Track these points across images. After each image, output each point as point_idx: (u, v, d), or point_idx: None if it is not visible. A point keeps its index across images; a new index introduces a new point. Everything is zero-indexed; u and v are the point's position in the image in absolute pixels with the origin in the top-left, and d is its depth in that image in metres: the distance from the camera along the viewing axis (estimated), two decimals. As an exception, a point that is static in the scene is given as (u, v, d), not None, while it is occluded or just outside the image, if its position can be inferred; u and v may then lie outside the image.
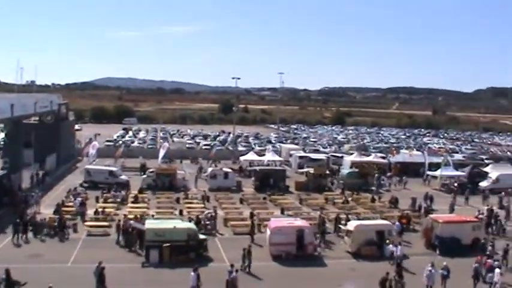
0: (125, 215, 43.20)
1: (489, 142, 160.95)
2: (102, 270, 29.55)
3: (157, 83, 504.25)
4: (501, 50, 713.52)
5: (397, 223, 44.09)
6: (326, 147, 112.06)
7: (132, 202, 52.15)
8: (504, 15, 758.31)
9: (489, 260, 34.16)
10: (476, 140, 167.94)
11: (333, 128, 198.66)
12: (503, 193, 60.83)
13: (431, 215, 45.01)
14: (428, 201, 55.61)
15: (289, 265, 35.67)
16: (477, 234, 41.52)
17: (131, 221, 39.99)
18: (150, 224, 37.84)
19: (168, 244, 35.08)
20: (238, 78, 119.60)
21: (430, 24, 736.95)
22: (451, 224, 41.42)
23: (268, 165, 75.74)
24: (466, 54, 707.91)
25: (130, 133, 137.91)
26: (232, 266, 30.90)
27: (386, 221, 42.99)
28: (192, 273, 29.89)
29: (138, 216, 43.11)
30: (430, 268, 30.84)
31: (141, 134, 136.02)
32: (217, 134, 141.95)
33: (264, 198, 56.73)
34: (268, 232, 38.42)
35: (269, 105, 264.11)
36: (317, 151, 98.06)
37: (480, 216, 47.25)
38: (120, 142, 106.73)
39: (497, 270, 32.31)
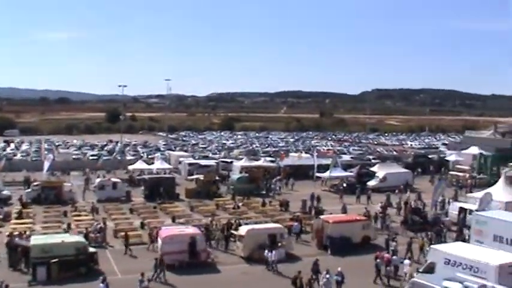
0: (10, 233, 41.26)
1: (375, 142, 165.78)
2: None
3: (41, 92, 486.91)
4: (385, 53, 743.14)
5: (295, 224, 45.44)
6: (215, 153, 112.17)
7: (16, 218, 49.91)
8: (385, 19, 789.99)
9: (387, 255, 35.74)
10: (363, 140, 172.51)
11: (222, 133, 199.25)
12: (396, 190, 63.79)
13: (321, 216, 45.92)
14: (316, 202, 56.96)
15: (183, 273, 35.28)
16: (367, 233, 42.95)
17: (16, 238, 38.33)
18: (35, 240, 36.28)
19: (56, 260, 33.82)
20: (125, 86, 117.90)
21: (316, 28, 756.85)
22: (340, 223, 42.46)
23: (157, 173, 74.85)
24: (351, 57, 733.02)
25: (13, 145, 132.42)
26: (142, 275, 30.74)
27: (278, 224, 43.55)
28: (101, 285, 29.59)
29: (23, 232, 41.28)
30: (327, 276, 31.33)
31: (24, 146, 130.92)
32: (105, 143, 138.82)
33: (155, 207, 55.88)
34: (160, 241, 37.95)
35: (157, 112, 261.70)
36: (206, 157, 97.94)
37: (367, 214, 49.24)
38: (1, 155, 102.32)
39: (406, 261, 34.42)
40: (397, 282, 33.54)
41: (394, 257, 35.89)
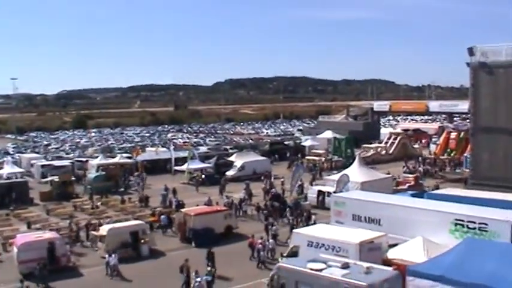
0: None
1: (232, 132, 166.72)
2: None
3: None
4: (234, 43, 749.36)
5: (162, 216, 45.71)
6: (69, 153, 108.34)
7: None
8: (232, 7, 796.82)
9: (260, 241, 36.47)
10: (219, 131, 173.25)
11: (75, 132, 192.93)
12: (262, 177, 65.36)
13: (183, 209, 45.68)
14: (172, 195, 56.68)
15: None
16: (229, 222, 43.38)
17: None
18: None
19: None
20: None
21: (161, 21, 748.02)
22: (203, 215, 42.51)
23: (8, 178, 70.94)
24: (202, 48, 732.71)
25: None
26: (22, 281, 30.56)
27: (139, 221, 42.77)
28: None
29: None
30: (197, 279, 30.93)
31: None
32: None
33: (7, 215, 52.83)
34: (15, 250, 35.96)
35: (3, 113, 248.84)
36: (60, 158, 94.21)
37: (227, 201, 50.72)
38: None
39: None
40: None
41: (271, 240, 37.10)
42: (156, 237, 41.74)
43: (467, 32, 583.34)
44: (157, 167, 76.69)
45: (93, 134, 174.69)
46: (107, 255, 35.56)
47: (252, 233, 39.52)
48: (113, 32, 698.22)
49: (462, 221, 30.22)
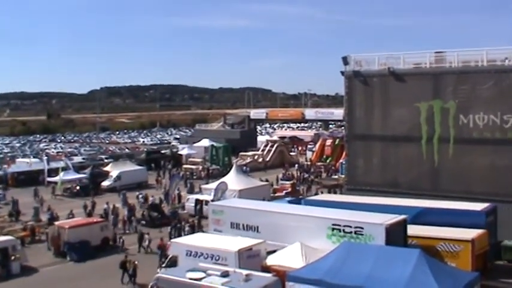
0: None
1: (107, 141, 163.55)
2: None
3: None
4: (110, 51, 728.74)
5: None
6: None
7: None
8: (107, 15, 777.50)
9: (169, 243, 35.95)
10: (94, 140, 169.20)
11: None
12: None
13: (56, 222, 44.22)
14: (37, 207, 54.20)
15: None
16: (106, 234, 42.44)
17: None
18: None
19: None
20: None
21: (33, 24, 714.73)
22: (78, 228, 41.29)
23: None
24: (76, 55, 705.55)
25: None
26: None
27: (8, 237, 40.60)
28: None
29: None
30: None
31: None
32: None
33: None
34: None
35: None
36: None
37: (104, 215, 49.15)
38: None
39: None
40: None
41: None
42: (28, 252, 39.87)
43: (342, 42, 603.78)
44: (30, 179, 73.52)
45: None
46: None
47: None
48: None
49: (339, 225, 30.82)
